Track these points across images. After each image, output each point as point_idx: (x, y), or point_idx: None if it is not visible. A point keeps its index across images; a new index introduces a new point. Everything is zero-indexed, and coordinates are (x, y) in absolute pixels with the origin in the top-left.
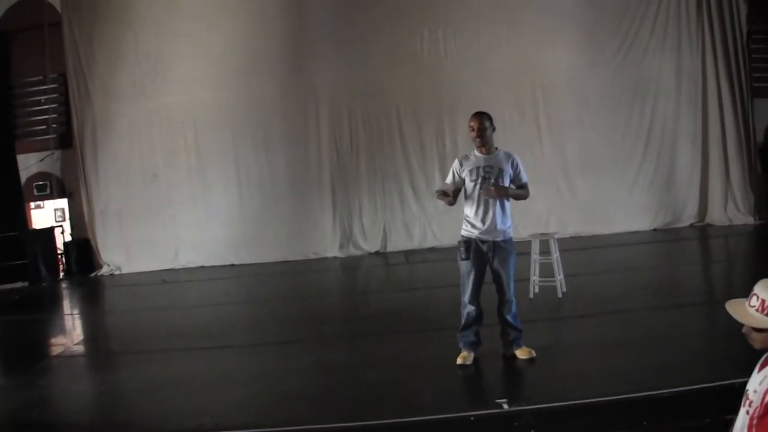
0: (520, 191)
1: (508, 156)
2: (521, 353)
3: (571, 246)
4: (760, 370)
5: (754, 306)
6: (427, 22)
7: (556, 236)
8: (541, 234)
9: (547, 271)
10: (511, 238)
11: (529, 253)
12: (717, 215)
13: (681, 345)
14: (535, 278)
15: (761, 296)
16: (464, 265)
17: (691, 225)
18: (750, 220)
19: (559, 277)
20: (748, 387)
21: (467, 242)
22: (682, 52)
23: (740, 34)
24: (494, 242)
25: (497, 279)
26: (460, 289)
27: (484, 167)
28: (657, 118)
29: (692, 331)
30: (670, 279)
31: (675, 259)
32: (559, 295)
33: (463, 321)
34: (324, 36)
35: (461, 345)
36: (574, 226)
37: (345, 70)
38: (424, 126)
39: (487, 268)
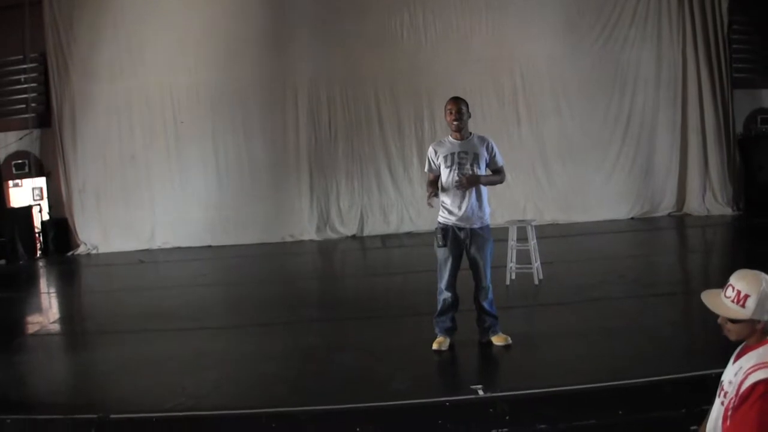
0: (496, 177)
1: (483, 140)
2: (497, 340)
3: (549, 233)
4: (735, 361)
5: (729, 297)
6: (408, 7)
7: (533, 223)
8: (519, 221)
9: (524, 258)
10: (488, 225)
11: (506, 240)
12: (695, 205)
13: (657, 334)
14: (511, 265)
15: (736, 287)
16: (441, 252)
17: (669, 214)
18: (728, 210)
19: (536, 264)
20: (723, 378)
21: (444, 229)
22: (663, 41)
23: (721, 24)
24: (471, 229)
25: (474, 266)
26: (437, 275)
27: (459, 153)
28: (636, 107)
29: (668, 320)
30: (647, 268)
31: (652, 249)
32: (536, 282)
33: (439, 307)
34: (303, 19)
35: (437, 330)
36: (551, 214)
37: (324, 53)
38: (402, 110)
39: (464, 254)
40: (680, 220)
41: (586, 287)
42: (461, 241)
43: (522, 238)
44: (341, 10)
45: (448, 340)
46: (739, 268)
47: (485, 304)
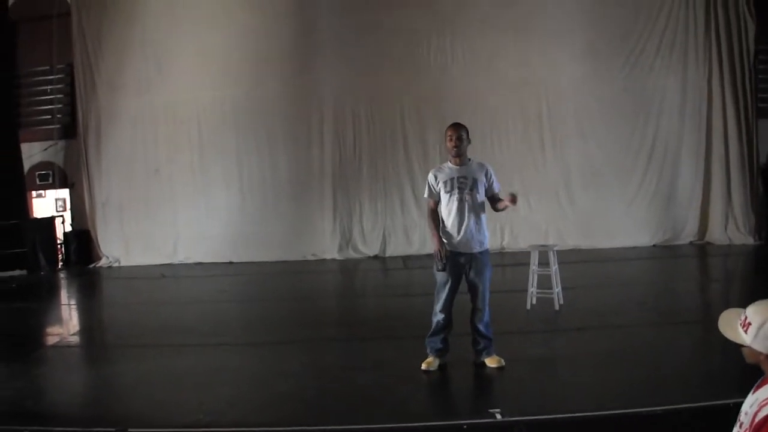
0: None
1: (482, 166)
2: (491, 362)
3: (570, 258)
4: (754, 392)
5: (740, 320)
6: (435, 29)
7: (555, 248)
8: (541, 246)
9: (545, 282)
10: (487, 250)
11: (527, 264)
12: (717, 234)
13: (676, 362)
14: (533, 290)
15: (746, 313)
16: (440, 276)
17: (691, 243)
18: (750, 240)
19: (557, 289)
20: (741, 408)
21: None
22: (688, 70)
23: (747, 53)
24: (471, 254)
25: (473, 290)
26: (435, 297)
27: (458, 178)
28: (660, 135)
29: (688, 349)
30: (667, 296)
31: (673, 276)
32: (557, 307)
33: (432, 327)
34: (331, 38)
35: (428, 350)
36: (573, 239)
37: (351, 73)
38: (427, 132)
39: (463, 278)
40: (702, 249)
41: (606, 313)
42: (461, 265)
43: (544, 262)
44: (369, 31)
45: (437, 361)
46: (760, 299)
47: (481, 327)
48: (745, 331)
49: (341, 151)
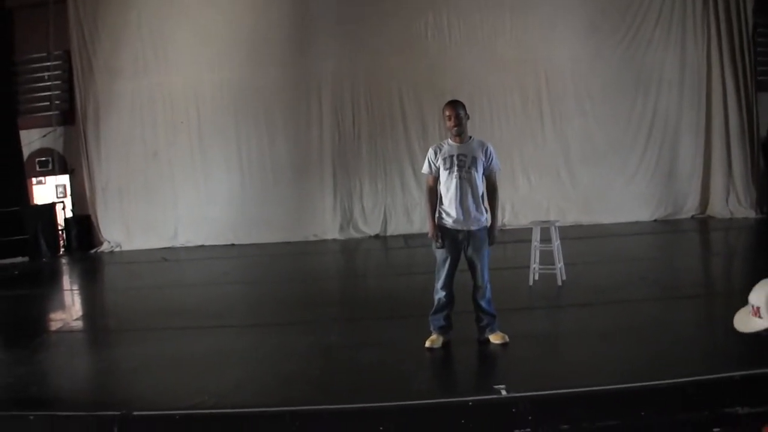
0: (496, 208)
1: (482, 144)
2: (495, 338)
3: (572, 234)
4: None
5: (749, 312)
6: (433, 7)
7: (556, 224)
8: (542, 222)
9: (547, 258)
10: (485, 227)
11: (529, 241)
12: (718, 208)
13: (680, 336)
14: (535, 266)
15: (750, 301)
16: (439, 253)
17: (692, 217)
18: (751, 213)
19: (559, 265)
20: None
21: (442, 231)
22: (687, 44)
23: (746, 27)
24: (469, 231)
25: (471, 266)
26: (435, 275)
27: (458, 155)
28: (660, 109)
29: (691, 322)
30: (669, 270)
31: (675, 251)
32: (559, 283)
33: (434, 305)
34: (328, 18)
35: (431, 328)
36: (574, 215)
37: (349, 52)
38: (426, 111)
39: (462, 255)
40: (703, 223)
41: (608, 289)
42: (459, 242)
43: (545, 239)
44: (365, 9)
45: (441, 339)
46: (762, 272)
47: (483, 303)
48: (760, 317)
49: (340, 132)
